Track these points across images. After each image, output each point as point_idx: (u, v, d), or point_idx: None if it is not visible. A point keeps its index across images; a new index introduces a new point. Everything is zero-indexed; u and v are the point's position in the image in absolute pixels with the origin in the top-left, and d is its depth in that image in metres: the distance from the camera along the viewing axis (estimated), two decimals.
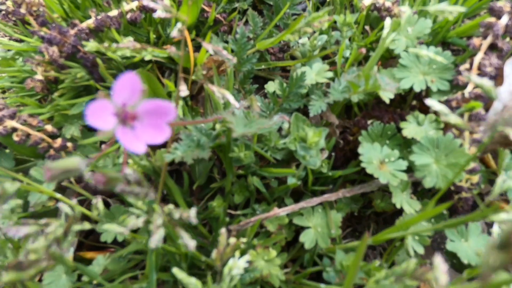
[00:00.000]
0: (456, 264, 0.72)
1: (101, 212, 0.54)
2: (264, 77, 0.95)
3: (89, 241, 0.82)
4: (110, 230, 0.48)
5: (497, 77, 0.71)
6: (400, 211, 0.77)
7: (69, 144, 0.77)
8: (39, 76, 0.76)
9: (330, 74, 0.78)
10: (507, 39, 0.72)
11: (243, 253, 0.61)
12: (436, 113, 0.73)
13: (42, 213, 0.76)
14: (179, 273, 0.49)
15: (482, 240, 0.70)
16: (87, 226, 0.48)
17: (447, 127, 0.71)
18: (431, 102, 0.52)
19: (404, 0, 0.83)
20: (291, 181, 0.71)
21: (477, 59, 0.67)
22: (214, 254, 0.50)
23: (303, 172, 0.71)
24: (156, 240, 0.42)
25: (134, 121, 0.40)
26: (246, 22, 1.00)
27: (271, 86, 0.83)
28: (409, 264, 0.50)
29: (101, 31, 0.82)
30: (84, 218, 0.68)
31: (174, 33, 0.48)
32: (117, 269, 0.69)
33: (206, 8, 0.90)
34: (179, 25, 0.47)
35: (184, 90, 0.54)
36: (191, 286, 0.51)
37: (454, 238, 0.72)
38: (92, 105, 0.36)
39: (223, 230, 0.51)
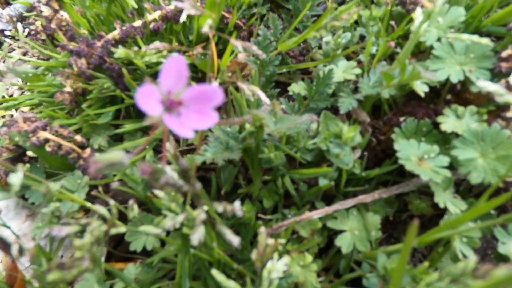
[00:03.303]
0: None
1: (136, 213, 0.53)
2: (284, 82, 0.93)
3: (118, 252, 0.81)
4: (147, 231, 0.47)
5: None
6: (438, 215, 0.72)
7: (97, 154, 0.77)
8: (68, 89, 0.78)
9: (358, 71, 0.75)
10: None
11: (279, 257, 0.58)
12: (478, 104, 0.68)
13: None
14: (218, 275, 0.47)
15: None
16: (122, 229, 0.46)
17: (491, 118, 0.66)
18: (483, 83, 0.48)
19: None
20: (323, 182, 0.67)
21: None
22: (254, 255, 0.48)
23: (335, 172, 0.68)
24: (198, 236, 0.40)
25: (180, 107, 0.39)
26: (265, 27, 0.99)
27: (296, 88, 0.80)
28: (468, 263, 0.45)
29: (126, 42, 0.83)
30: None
31: (205, 29, 0.47)
32: (147, 279, 0.68)
33: (226, 15, 0.90)
34: (209, 21, 0.47)
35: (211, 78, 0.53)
36: None
37: (505, 240, 0.66)
38: (140, 90, 0.35)
39: (262, 229, 0.48)
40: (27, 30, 1.23)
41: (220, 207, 0.44)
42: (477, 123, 0.65)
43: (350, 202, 0.67)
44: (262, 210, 0.73)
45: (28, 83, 0.94)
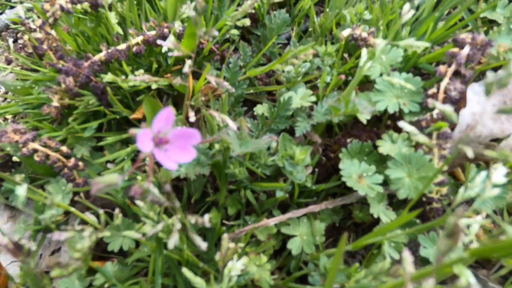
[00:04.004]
0: None
1: (119, 221, 0.62)
2: (252, 100, 1.05)
3: (96, 252, 0.90)
4: (129, 235, 0.56)
5: (461, 100, 0.80)
6: (377, 222, 0.85)
7: (80, 163, 0.86)
8: (55, 103, 0.86)
9: (313, 98, 0.87)
10: (470, 66, 0.82)
11: (238, 258, 0.69)
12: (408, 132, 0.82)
13: (54, 227, 0.84)
14: (187, 273, 0.57)
15: None
16: (107, 233, 0.55)
17: (418, 144, 0.79)
18: (402, 124, 0.61)
19: (378, 31, 0.93)
20: (279, 194, 0.79)
21: (443, 84, 0.76)
22: (217, 256, 0.58)
23: (290, 186, 0.79)
24: (174, 241, 0.50)
25: (166, 144, 0.49)
26: (236, 50, 1.10)
27: (260, 109, 0.92)
28: (384, 264, 0.57)
29: (110, 62, 0.92)
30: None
31: (185, 69, 0.57)
32: (123, 276, 0.77)
33: (202, 40, 1.00)
34: (188, 62, 0.57)
35: (192, 117, 0.64)
36: (197, 285, 0.58)
37: (426, 245, 0.79)
38: (140, 134, 0.45)
39: (225, 235, 0.59)
40: (11, 40, 1.29)
41: (192, 219, 0.54)
42: (407, 147, 0.78)
43: (301, 211, 0.79)
44: (227, 216, 0.84)
45: (14, 95, 1.01)
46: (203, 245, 0.57)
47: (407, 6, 0.75)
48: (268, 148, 0.84)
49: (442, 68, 0.76)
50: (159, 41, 0.63)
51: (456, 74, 0.79)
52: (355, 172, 0.77)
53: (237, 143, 0.66)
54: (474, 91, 0.73)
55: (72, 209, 0.72)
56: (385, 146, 0.80)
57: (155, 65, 0.95)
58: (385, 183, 0.77)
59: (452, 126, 0.79)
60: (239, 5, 1.07)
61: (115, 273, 0.75)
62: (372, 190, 0.74)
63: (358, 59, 0.93)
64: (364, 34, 0.93)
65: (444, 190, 0.77)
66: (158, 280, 0.67)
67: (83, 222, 0.73)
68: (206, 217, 0.57)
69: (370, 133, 0.86)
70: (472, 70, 0.74)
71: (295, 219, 0.79)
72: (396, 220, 0.67)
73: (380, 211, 0.77)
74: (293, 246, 0.76)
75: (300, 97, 0.89)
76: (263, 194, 0.82)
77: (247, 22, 0.78)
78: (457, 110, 0.79)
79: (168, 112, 0.47)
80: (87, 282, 0.71)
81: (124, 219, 0.80)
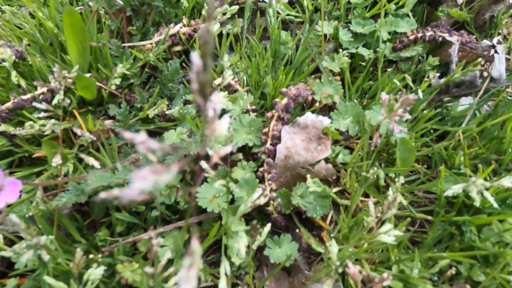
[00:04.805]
0: (268, 265, 1.04)
1: None
2: (161, 132, 1.27)
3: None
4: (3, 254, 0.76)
5: (280, 137, 1.07)
6: None
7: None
8: None
9: (185, 136, 1.11)
10: (288, 111, 1.09)
11: (108, 265, 0.90)
12: (254, 160, 1.07)
13: None
14: (48, 279, 0.77)
15: (293, 247, 1.03)
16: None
17: (258, 170, 1.05)
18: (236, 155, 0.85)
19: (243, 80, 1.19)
20: (155, 213, 1.01)
21: (272, 125, 1.02)
22: (71, 264, 0.79)
23: (163, 205, 1.02)
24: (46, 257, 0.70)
25: (1, 190, 0.70)
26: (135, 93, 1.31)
27: None
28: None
29: (19, 109, 1.11)
30: None
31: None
32: None
33: (103, 86, 1.21)
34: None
35: (56, 161, 0.84)
36: None
37: (271, 246, 1.04)
38: None
39: (78, 249, 0.80)
40: None
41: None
42: (249, 173, 1.04)
43: (171, 226, 1.01)
44: (119, 234, 1.05)
45: None
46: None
47: None
48: None
49: (269, 114, 1.02)
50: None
51: (279, 118, 1.05)
52: (211, 194, 1.01)
53: (95, 179, 0.88)
54: (287, 131, 1.00)
55: None
56: (236, 172, 1.05)
57: (59, 111, 1.15)
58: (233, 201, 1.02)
59: (273, 157, 1.05)
60: (134, 59, 1.28)
61: None
62: (219, 207, 0.99)
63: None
64: (232, 82, 1.19)
65: (275, 203, 1.02)
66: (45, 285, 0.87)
67: None
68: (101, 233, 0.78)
69: (225, 161, 1.10)
70: (289, 114, 1.01)
71: (168, 231, 1.01)
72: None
73: (234, 223, 1.01)
74: (162, 253, 0.98)
75: (177, 134, 1.12)
76: (147, 209, 1.04)
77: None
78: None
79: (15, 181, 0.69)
80: None
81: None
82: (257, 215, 1.09)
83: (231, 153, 1.10)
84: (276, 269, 0.97)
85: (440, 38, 1.22)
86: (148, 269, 0.64)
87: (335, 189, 1.15)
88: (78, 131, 0.85)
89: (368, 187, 1.17)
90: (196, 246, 0.42)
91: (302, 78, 1.21)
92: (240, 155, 0.74)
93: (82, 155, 0.87)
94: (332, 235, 1.07)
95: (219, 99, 0.50)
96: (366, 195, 1.18)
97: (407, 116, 0.79)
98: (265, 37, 1.44)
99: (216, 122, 0.48)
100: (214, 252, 1.08)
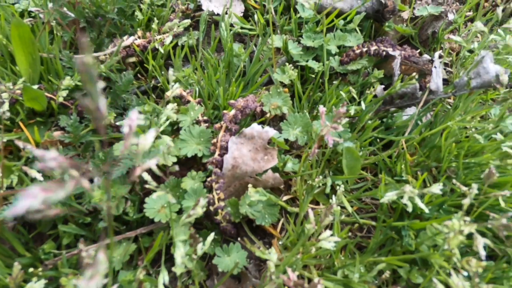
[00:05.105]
0: (218, 273, 1.06)
1: None
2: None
3: None
4: None
5: (227, 148, 1.10)
6: None
7: None
8: None
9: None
10: (236, 122, 1.12)
11: (55, 278, 0.89)
12: (205, 169, 1.09)
13: None
14: None
15: (242, 255, 1.05)
16: None
17: (206, 180, 1.07)
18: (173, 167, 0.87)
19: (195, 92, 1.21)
20: (102, 224, 1.01)
21: (220, 135, 1.05)
22: (8, 279, 0.78)
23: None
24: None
25: None
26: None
27: (100, 153, 1.14)
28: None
29: None
30: None
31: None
32: None
33: (54, 97, 1.21)
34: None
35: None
36: None
37: (220, 254, 1.06)
38: None
39: (16, 263, 0.79)
40: None
41: None
42: (198, 183, 1.05)
43: (120, 237, 1.01)
44: (66, 246, 1.04)
45: None
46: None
47: None
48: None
49: (217, 125, 1.05)
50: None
51: (227, 129, 1.08)
52: (159, 204, 1.02)
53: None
54: (233, 141, 1.03)
55: None
56: (186, 182, 1.07)
57: (7, 122, 1.13)
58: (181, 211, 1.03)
59: (220, 167, 1.08)
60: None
61: None
62: (167, 217, 1.00)
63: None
64: (184, 93, 1.21)
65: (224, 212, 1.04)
66: None
67: None
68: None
69: (182, 171, 1.12)
70: (237, 125, 1.04)
71: (116, 241, 1.01)
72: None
73: (180, 232, 1.02)
74: (115, 260, 0.98)
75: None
76: (95, 220, 1.04)
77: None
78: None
79: None
80: None
81: None
82: (210, 224, 1.11)
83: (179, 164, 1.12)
84: (224, 277, 0.99)
85: (384, 53, 1.29)
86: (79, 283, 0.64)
87: (285, 197, 1.18)
88: (20, 144, 0.84)
89: (318, 195, 1.22)
90: (102, 257, 0.43)
91: (253, 90, 1.25)
92: (177, 167, 0.75)
93: (25, 168, 0.86)
94: (280, 242, 1.10)
95: (135, 116, 0.52)
96: (317, 203, 1.22)
97: (340, 128, 0.83)
98: (221, 49, 1.47)
99: (131, 138, 0.50)
100: (166, 262, 1.09)
